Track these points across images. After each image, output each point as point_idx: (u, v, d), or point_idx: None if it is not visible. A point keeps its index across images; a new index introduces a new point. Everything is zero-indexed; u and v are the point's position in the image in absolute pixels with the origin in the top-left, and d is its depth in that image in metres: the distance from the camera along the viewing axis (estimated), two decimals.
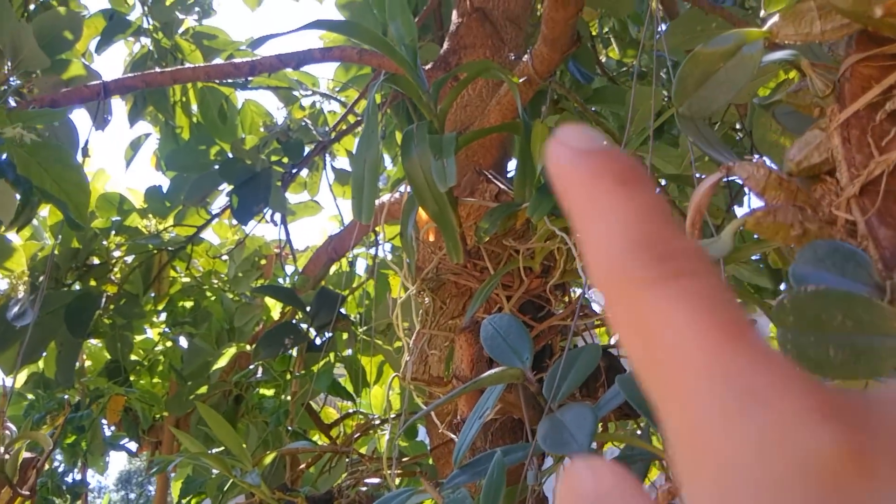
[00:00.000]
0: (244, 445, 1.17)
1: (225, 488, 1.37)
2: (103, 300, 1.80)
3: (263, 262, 2.26)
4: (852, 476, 0.12)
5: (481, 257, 1.15)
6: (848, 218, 0.31)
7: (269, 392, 1.75)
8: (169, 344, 2.03)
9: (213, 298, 2.04)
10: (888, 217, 0.29)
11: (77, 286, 1.85)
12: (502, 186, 1.19)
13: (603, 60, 2.29)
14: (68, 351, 1.69)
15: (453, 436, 1.14)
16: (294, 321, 1.74)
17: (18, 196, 1.10)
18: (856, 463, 0.12)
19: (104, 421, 1.87)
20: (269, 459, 1.23)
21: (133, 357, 1.97)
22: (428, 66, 1.51)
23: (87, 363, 2.08)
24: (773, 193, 0.33)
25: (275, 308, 2.08)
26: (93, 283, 1.88)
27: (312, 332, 1.70)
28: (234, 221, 2.35)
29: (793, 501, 0.12)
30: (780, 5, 0.51)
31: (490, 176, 1.24)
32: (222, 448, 1.32)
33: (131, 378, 1.92)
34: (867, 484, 0.12)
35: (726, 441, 0.13)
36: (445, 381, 1.11)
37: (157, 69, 2.09)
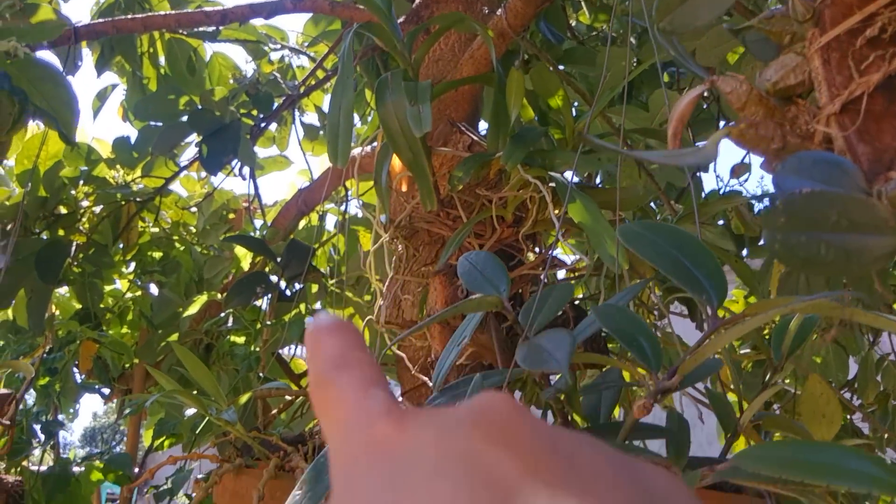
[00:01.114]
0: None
1: (198, 429, 1.40)
2: (73, 249, 1.80)
3: (232, 216, 2.26)
4: (391, 429, 0.21)
5: (454, 206, 1.18)
6: (828, 132, 0.34)
7: (240, 340, 1.77)
8: (139, 293, 2.04)
9: (182, 249, 2.04)
10: (866, 134, 0.32)
11: (45, 235, 1.84)
12: (475, 138, 1.22)
13: (573, 24, 2.31)
14: (39, 298, 1.69)
15: (426, 378, 1.18)
16: (265, 272, 1.76)
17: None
18: (395, 424, 0.21)
19: (75, 369, 1.87)
20: (243, 400, 1.26)
21: (103, 306, 1.98)
22: (400, 20, 1.52)
23: (56, 313, 2.08)
24: (752, 109, 0.36)
25: (245, 259, 2.09)
26: (61, 232, 1.87)
27: (283, 283, 1.72)
28: (203, 174, 2.35)
29: (356, 450, 0.21)
30: None
31: (463, 128, 1.27)
32: (195, 392, 1.34)
33: (101, 328, 1.93)
34: (401, 436, 0.20)
35: (334, 444, 0.23)
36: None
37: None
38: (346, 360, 0.25)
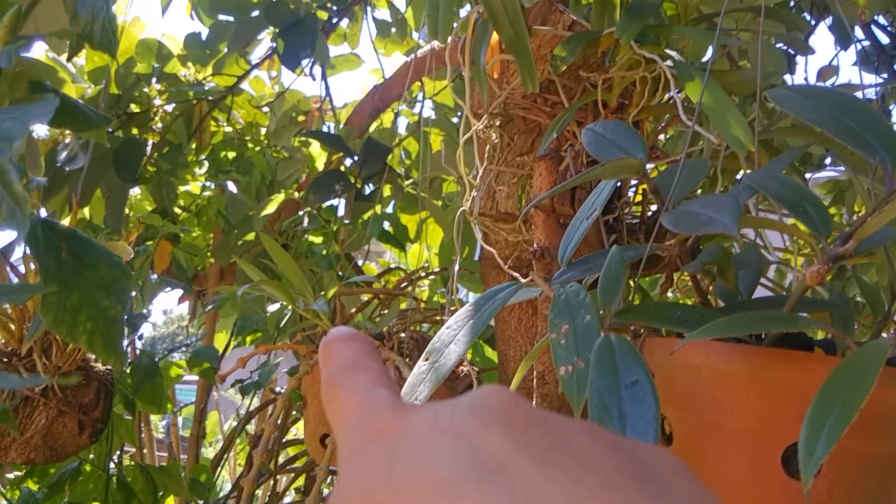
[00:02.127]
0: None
1: (282, 324, 1.38)
2: (148, 147, 1.77)
3: (302, 118, 2.21)
4: (392, 419, 0.22)
5: (552, 91, 1.11)
6: None
7: (318, 240, 1.74)
8: (210, 193, 2.01)
9: (256, 150, 2.00)
10: None
11: (119, 134, 1.82)
12: (575, 18, 1.13)
13: None
14: (116, 196, 1.68)
15: (516, 274, 1.13)
16: (342, 171, 1.71)
17: None
18: (396, 414, 0.23)
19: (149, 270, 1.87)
20: (330, 294, 1.23)
21: (176, 208, 1.96)
22: None
23: (130, 214, 2.07)
24: None
25: (319, 159, 2.05)
26: (135, 131, 1.85)
27: (358, 183, 1.67)
28: (273, 75, 2.29)
29: (360, 440, 0.23)
30: None
31: (562, 8, 1.18)
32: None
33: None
34: (401, 423, 0.22)
35: (341, 437, 0.24)
36: (515, 217, 1.09)
37: None
38: (355, 365, 0.27)
